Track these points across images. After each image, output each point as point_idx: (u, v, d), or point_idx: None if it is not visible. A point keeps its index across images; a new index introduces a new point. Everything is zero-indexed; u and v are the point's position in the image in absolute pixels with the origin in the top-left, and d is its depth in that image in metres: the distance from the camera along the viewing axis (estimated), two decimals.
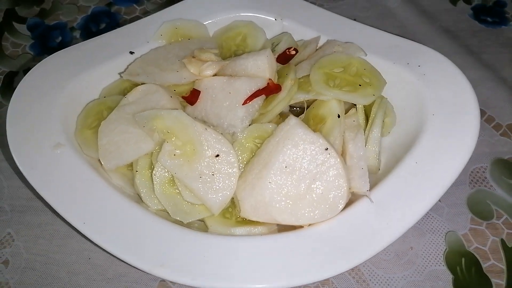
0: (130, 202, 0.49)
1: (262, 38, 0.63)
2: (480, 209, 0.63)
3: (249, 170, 0.50)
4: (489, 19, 0.87)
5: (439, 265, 0.58)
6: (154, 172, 0.50)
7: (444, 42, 0.84)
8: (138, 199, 0.53)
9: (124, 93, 0.60)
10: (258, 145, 0.52)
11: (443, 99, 0.55)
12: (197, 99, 0.55)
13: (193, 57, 0.58)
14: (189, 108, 0.56)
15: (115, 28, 0.83)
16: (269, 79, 0.55)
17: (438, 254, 0.59)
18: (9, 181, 0.65)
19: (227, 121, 0.53)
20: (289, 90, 0.54)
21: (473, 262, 0.58)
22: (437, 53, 0.60)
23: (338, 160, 0.47)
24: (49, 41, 0.82)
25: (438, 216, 0.62)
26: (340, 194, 0.47)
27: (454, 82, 0.56)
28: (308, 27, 0.66)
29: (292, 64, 0.59)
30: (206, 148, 0.49)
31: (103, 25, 0.85)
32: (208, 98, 0.55)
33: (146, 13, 0.87)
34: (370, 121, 0.53)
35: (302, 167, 0.48)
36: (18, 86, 0.56)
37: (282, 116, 0.57)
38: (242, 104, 0.53)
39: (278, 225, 0.51)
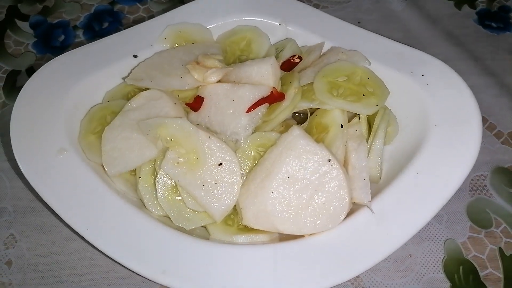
0: (133, 208, 0.50)
1: (267, 44, 0.63)
2: (479, 218, 0.63)
3: (251, 179, 0.50)
4: (493, 24, 0.87)
5: (437, 273, 0.59)
6: (157, 179, 0.51)
7: (447, 47, 0.83)
8: (141, 205, 0.53)
9: (128, 97, 0.60)
10: (261, 153, 0.52)
11: (446, 110, 0.55)
12: (200, 106, 0.55)
13: (197, 63, 0.58)
14: (193, 114, 0.56)
15: (118, 27, 0.84)
16: (273, 87, 0.55)
17: (437, 261, 0.60)
18: (12, 181, 0.65)
19: (230, 129, 0.53)
20: (292, 98, 0.54)
21: (470, 270, 0.59)
22: (441, 63, 0.60)
23: (341, 171, 0.48)
24: (51, 40, 0.82)
25: (437, 224, 0.63)
26: (341, 205, 0.48)
27: (457, 92, 0.56)
28: (312, 33, 0.65)
29: (296, 71, 0.59)
30: (209, 156, 0.50)
31: (106, 24, 0.85)
32: (211, 105, 0.55)
33: (149, 12, 0.87)
34: (373, 133, 0.54)
35: (304, 178, 0.48)
36: (21, 90, 0.56)
37: (285, 124, 0.57)
38: (246, 112, 0.53)
39: (279, 233, 0.51)
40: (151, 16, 0.87)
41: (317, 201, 0.48)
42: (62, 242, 0.60)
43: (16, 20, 0.85)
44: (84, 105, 0.58)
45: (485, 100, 0.75)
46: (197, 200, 0.50)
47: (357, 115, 0.56)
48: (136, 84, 0.57)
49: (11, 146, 0.52)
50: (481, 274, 0.59)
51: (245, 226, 0.51)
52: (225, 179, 0.49)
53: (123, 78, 0.60)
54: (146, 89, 0.57)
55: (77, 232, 0.48)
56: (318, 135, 0.54)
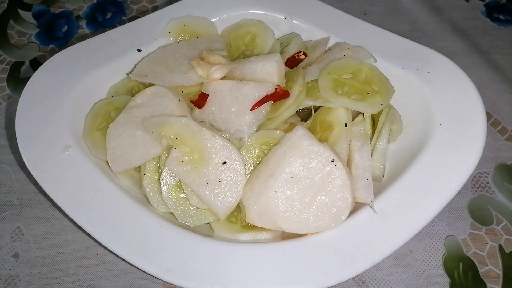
0: (138, 206, 0.50)
1: (272, 39, 0.63)
2: (480, 215, 0.64)
3: (255, 178, 0.50)
4: (501, 17, 0.85)
5: (437, 269, 0.60)
6: (161, 176, 0.51)
7: (454, 40, 0.83)
8: (146, 201, 0.54)
9: (132, 92, 0.60)
10: (265, 151, 0.52)
11: (451, 109, 0.55)
12: (205, 103, 0.55)
13: (202, 58, 0.57)
14: (197, 111, 0.56)
15: (121, 18, 0.83)
16: (277, 85, 0.55)
17: (437, 258, 0.60)
18: (18, 174, 0.66)
19: (234, 127, 0.53)
20: (297, 96, 0.54)
21: (470, 267, 0.60)
22: (448, 60, 0.59)
23: (344, 171, 0.48)
24: (54, 30, 0.81)
25: (438, 221, 0.63)
26: (344, 205, 0.48)
27: (463, 91, 0.56)
28: (317, 27, 0.65)
29: (301, 68, 0.58)
30: (213, 155, 0.50)
31: (109, 15, 0.84)
32: (216, 102, 0.55)
33: (153, 2, 0.86)
34: (377, 132, 0.54)
35: (308, 178, 0.48)
36: (25, 87, 0.56)
37: (289, 121, 0.57)
38: (250, 110, 0.53)
39: (282, 231, 0.52)
40: (155, 7, 0.86)
41: (320, 200, 0.48)
42: (68, 236, 0.61)
43: (19, 10, 0.84)
44: (88, 100, 0.59)
45: (490, 95, 0.75)
46: (201, 198, 0.50)
47: (361, 112, 0.56)
48: (140, 80, 0.57)
49: (16, 139, 0.53)
50: (481, 270, 0.60)
51: (248, 223, 0.52)
52: (229, 177, 0.50)
53: (127, 74, 0.60)
54: (150, 84, 0.57)
55: (83, 229, 0.49)
56: (322, 133, 0.54)
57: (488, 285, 0.59)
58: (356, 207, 0.51)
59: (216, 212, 0.50)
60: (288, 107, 0.54)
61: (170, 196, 0.51)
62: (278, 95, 0.54)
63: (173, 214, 0.52)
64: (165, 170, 0.51)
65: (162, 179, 0.51)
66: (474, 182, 0.67)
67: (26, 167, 0.51)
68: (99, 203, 0.50)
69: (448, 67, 0.59)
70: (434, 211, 0.50)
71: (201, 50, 0.60)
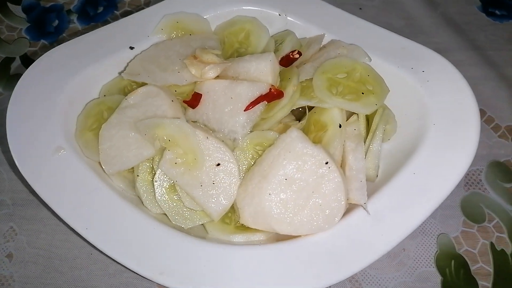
0: (131, 207, 0.50)
1: (266, 37, 0.62)
2: (473, 212, 0.64)
3: (249, 179, 0.50)
4: (497, 12, 0.85)
5: (429, 267, 0.60)
6: (155, 178, 0.51)
7: (449, 35, 0.82)
8: (139, 202, 0.53)
9: (124, 91, 0.59)
10: (259, 152, 0.52)
11: (445, 109, 0.55)
12: (198, 103, 0.55)
13: (195, 57, 0.57)
14: (190, 111, 0.55)
15: (113, 12, 0.82)
16: (272, 85, 0.54)
17: (429, 256, 0.61)
18: (10, 173, 0.65)
19: (228, 127, 0.53)
20: (291, 96, 0.54)
21: (462, 265, 0.60)
22: (443, 59, 0.59)
23: (338, 173, 0.48)
24: (45, 25, 0.80)
25: (431, 218, 0.64)
26: (338, 207, 0.48)
27: (458, 91, 0.56)
28: (312, 24, 0.64)
29: (295, 67, 0.58)
30: (207, 157, 0.50)
31: (100, 9, 0.82)
32: (209, 102, 0.55)
33: None
34: (371, 134, 0.54)
35: (301, 180, 0.48)
36: (16, 87, 0.55)
37: (284, 121, 0.57)
38: (244, 110, 0.53)
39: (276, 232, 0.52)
40: (147, 1, 0.84)
41: (313, 203, 0.48)
42: (61, 236, 0.61)
43: (8, 4, 0.82)
44: (80, 99, 0.58)
45: (484, 92, 0.75)
46: (195, 200, 0.50)
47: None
48: (133, 79, 0.57)
49: (6, 137, 0.52)
50: (472, 268, 0.60)
51: (242, 224, 0.52)
52: (222, 179, 0.50)
53: (120, 73, 0.59)
54: (143, 83, 0.56)
55: (77, 232, 0.49)
56: (316, 133, 0.54)
57: (479, 282, 0.59)
58: (350, 207, 0.51)
59: (210, 214, 0.50)
60: (282, 107, 0.54)
61: (164, 198, 0.51)
62: (272, 95, 0.54)
63: (166, 215, 0.52)
64: (158, 171, 0.51)
65: (156, 181, 0.51)
66: (467, 179, 0.67)
67: (15, 165, 0.51)
68: (92, 205, 0.50)
69: (443, 66, 0.58)
70: (426, 213, 0.50)
71: (194, 48, 0.59)
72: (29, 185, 0.57)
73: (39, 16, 0.81)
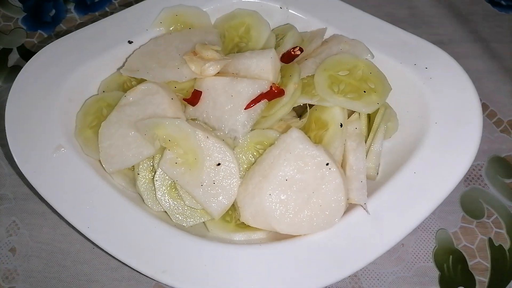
0: (133, 206, 0.50)
1: (266, 31, 0.61)
2: (472, 208, 0.65)
3: (250, 178, 0.50)
4: (503, 2, 0.83)
5: (427, 262, 0.61)
6: (155, 177, 0.51)
7: (453, 27, 0.81)
8: (140, 199, 0.54)
9: (124, 87, 0.59)
10: (260, 151, 0.52)
11: (448, 107, 0.55)
12: (198, 100, 0.54)
13: (195, 53, 0.56)
14: (190, 109, 0.55)
15: (111, 1, 0.80)
16: (272, 83, 0.54)
17: (428, 251, 0.62)
18: (10, 168, 0.65)
19: (228, 126, 0.53)
20: (292, 94, 0.53)
21: (459, 260, 0.61)
22: (446, 55, 0.58)
23: (338, 174, 0.48)
24: (42, 14, 0.78)
25: (430, 214, 0.63)
26: (338, 208, 0.48)
27: (461, 89, 0.55)
28: (314, 17, 0.63)
29: (296, 63, 0.57)
30: (207, 157, 0.49)
31: None
32: (209, 99, 0.54)
33: None
34: (372, 133, 0.53)
35: (302, 180, 0.48)
36: (13, 83, 0.55)
37: (285, 118, 0.56)
38: (245, 109, 0.52)
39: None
40: None
41: (314, 203, 0.48)
42: (64, 230, 0.61)
43: None
44: (79, 96, 0.57)
45: (487, 86, 0.74)
46: (195, 199, 0.50)
47: None
48: (132, 75, 0.56)
49: (4, 131, 0.52)
50: (470, 263, 0.61)
51: (243, 222, 0.52)
52: (223, 179, 0.50)
53: (118, 69, 0.58)
54: (142, 79, 0.56)
55: (78, 231, 0.49)
56: (317, 132, 0.54)
57: (476, 277, 0.60)
58: (350, 206, 0.51)
59: (211, 213, 0.50)
60: (283, 106, 0.53)
61: (165, 197, 0.51)
62: (273, 94, 0.53)
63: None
64: (159, 170, 0.51)
65: (156, 180, 0.51)
66: (467, 175, 0.67)
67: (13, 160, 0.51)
68: (94, 204, 0.50)
69: (446, 63, 0.58)
70: (426, 213, 0.50)
71: (194, 42, 0.58)
72: (28, 183, 0.57)
73: (36, 5, 0.79)
